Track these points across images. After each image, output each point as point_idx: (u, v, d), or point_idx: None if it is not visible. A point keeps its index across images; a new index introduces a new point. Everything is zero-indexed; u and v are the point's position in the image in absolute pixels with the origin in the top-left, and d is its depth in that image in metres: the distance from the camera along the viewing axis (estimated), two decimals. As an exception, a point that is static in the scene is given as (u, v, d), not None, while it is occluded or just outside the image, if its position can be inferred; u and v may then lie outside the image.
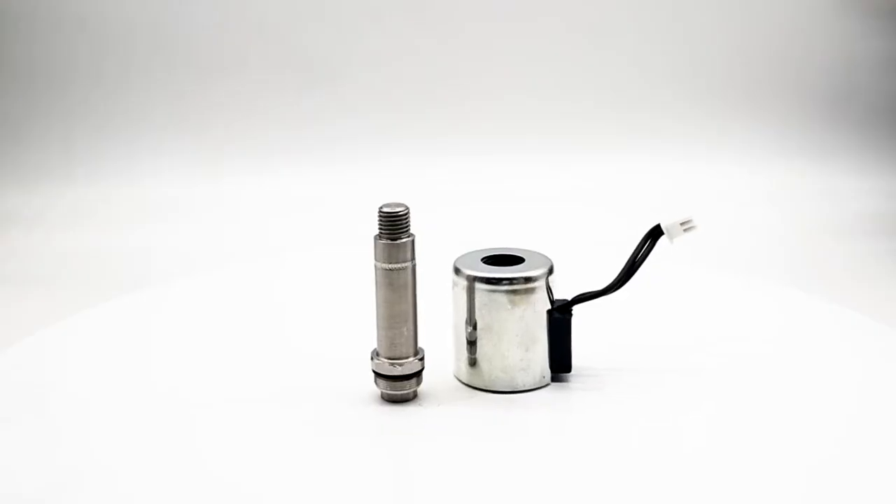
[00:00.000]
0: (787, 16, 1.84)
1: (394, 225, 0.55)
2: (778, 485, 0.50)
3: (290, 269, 0.88)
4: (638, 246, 0.59)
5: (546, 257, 0.60)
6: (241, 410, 0.58)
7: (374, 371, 0.58)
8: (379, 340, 0.57)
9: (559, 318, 0.59)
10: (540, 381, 0.59)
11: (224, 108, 1.85)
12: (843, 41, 1.84)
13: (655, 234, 0.59)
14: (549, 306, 0.59)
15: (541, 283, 0.58)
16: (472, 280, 0.57)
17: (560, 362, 0.60)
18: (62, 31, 1.85)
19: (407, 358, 0.57)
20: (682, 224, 0.58)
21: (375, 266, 0.56)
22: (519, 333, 0.58)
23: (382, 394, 0.58)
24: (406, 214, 0.55)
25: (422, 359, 0.58)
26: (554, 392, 0.59)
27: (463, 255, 0.60)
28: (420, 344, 0.58)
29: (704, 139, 1.85)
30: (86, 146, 1.85)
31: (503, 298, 0.57)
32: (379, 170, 1.81)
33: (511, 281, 0.57)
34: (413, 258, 0.56)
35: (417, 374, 0.58)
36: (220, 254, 1.62)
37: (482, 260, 0.59)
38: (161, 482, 0.51)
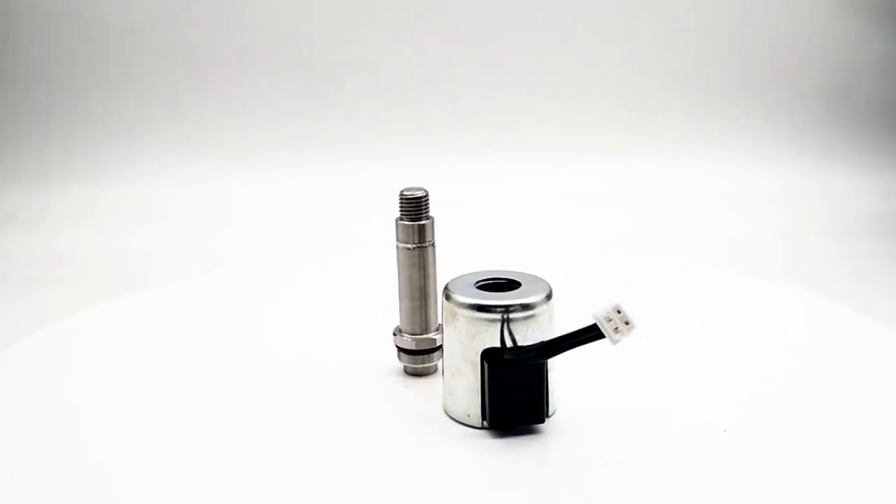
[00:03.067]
0: (787, 16, 1.85)
1: (414, 208, 0.58)
2: (779, 487, 0.50)
3: (290, 270, 0.88)
4: (572, 333, 0.50)
5: (540, 290, 0.53)
6: (244, 404, 0.58)
7: (396, 346, 0.61)
8: (401, 317, 0.60)
9: (481, 362, 0.52)
10: (464, 417, 0.54)
11: (223, 109, 1.85)
12: (843, 41, 1.84)
13: (594, 332, 0.48)
14: (490, 344, 0.52)
15: (467, 313, 0.52)
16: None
17: (490, 412, 0.53)
18: (62, 32, 1.85)
19: (425, 333, 0.60)
20: (608, 321, 0.47)
21: (397, 246, 0.58)
22: (448, 354, 0.54)
23: (405, 367, 0.61)
24: (425, 198, 0.58)
25: (440, 335, 0.60)
26: (475, 438, 0.54)
27: (478, 272, 0.57)
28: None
29: (704, 139, 1.85)
30: (85, 147, 1.85)
31: (445, 312, 0.54)
32: (381, 170, 1.81)
33: (447, 296, 0.54)
34: (432, 239, 0.58)
35: (436, 349, 0.60)
36: (220, 254, 1.62)
37: (477, 283, 0.55)
38: (161, 481, 0.51)
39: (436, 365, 0.61)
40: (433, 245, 0.59)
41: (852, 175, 1.82)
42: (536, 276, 0.55)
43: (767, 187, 1.80)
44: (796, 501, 0.49)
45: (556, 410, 0.56)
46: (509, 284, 0.54)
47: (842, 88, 1.86)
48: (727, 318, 0.72)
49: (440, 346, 0.60)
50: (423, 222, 0.58)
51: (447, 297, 0.53)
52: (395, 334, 0.61)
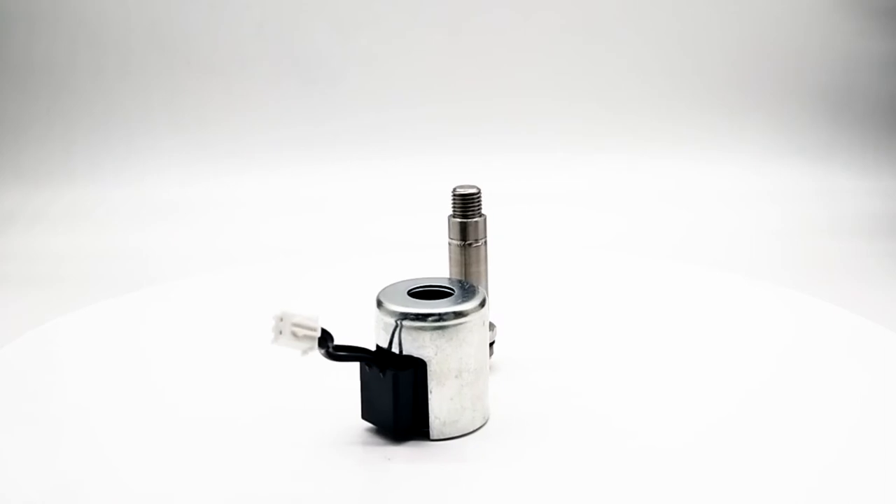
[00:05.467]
0: (787, 15, 1.84)
1: (462, 205, 0.59)
2: (778, 487, 0.50)
3: (290, 271, 0.88)
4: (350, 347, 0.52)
5: (453, 306, 0.53)
6: (244, 404, 0.58)
7: None
8: None
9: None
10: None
11: (224, 109, 1.85)
12: (843, 41, 1.84)
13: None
14: (382, 345, 0.53)
15: (375, 308, 0.54)
16: None
17: (361, 405, 0.55)
18: (61, 31, 1.85)
19: None
20: (280, 321, 0.48)
21: (449, 243, 0.59)
22: None
23: None
24: (478, 195, 0.59)
25: (493, 332, 0.60)
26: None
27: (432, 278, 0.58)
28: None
29: (704, 139, 1.85)
30: (85, 146, 1.85)
31: None
32: (381, 170, 1.81)
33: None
34: (482, 237, 0.59)
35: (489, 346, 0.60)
36: (220, 255, 1.62)
37: (410, 292, 0.55)
38: (161, 481, 0.51)
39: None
40: (485, 243, 0.59)
41: (852, 175, 1.82)
42: (478, 293, 0.54)
43: (767, 187, 1.80)
44: (796, 502, 0.49)
45: (486, 421, 0.55)
46: (445, 293, 0.55)
47: (841, 88, 1.86)
48: (724, 319, 0.72)
49: (492, 343, 0.61)
50: (470, 220, 0.58)
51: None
52: None
